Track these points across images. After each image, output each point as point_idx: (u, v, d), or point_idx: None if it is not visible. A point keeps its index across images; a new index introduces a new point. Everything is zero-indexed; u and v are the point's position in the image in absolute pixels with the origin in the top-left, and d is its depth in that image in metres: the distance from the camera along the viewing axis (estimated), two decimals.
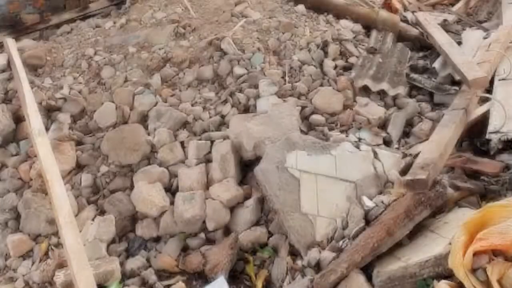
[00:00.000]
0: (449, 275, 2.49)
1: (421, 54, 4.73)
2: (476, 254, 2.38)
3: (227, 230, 3.42)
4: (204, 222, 3.42)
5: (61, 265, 3.20)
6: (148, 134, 3.84)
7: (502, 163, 3.22)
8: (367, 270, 2.80)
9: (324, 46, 4.39)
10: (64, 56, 4.69)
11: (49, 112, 4.13)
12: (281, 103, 3.83)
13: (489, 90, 3.82)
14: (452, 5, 6.20)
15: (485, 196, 3.06)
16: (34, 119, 3.85)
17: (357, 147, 3.40)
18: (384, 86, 4.07)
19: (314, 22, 4.80)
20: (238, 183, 3.52)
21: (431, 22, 5.00)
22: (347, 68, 4.27)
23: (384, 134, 3.68)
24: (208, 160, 3.66)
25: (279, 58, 4.33)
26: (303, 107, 3.87)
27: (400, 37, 4.86)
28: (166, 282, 3.26)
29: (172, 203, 3.50)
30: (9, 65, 4.58)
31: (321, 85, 4.07)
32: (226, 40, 4.33)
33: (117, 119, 3.98)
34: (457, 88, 3.99)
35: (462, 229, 2.46)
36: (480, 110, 3.67)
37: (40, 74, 4.54)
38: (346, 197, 3.17)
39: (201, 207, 3.40)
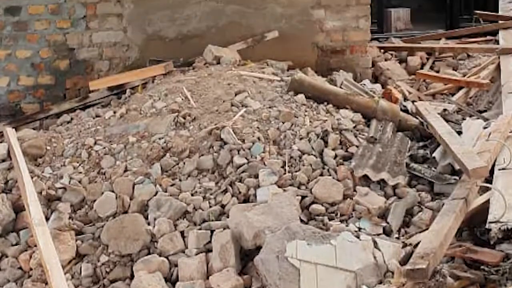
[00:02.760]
0: None
1: (421, 143, 4.88)
2: None
3: None
4: None
5: None
6: (148, 224, 3.96)
7: (502, 252, 3.31)
8: None
9: (324, 135, 4.55)
10: (64, 145, 4.85)
11: (49, 201, 4.26)
12: (281, 192, 3.97)
13: (489, 180, 3.95)
14: (452, 94, 6.40)
15: (485, 285, 3.15)
16: (34, 209, 3.98)
17: (357, 236, 3.50)
18: (384, 175, 4.22)
19: (314, 111, 4.98)
20: (238, 273, 3.59)
21: (431, 112, 5.16)
22: (347, 158, 4.42)
23: (384, 224, 3.81)
24: (208, 250, 3.76)
25: (279, 148, 4.49)
26: (303, 197, 4.01)
27: (400, 126, 5.03)
28: None
29: None
30: (9, 154, 4.74)
31: (321, 174, 4.23)
32: (226, 130, 4.51)
33: (117, 208, 4.12)
34: (457, 177, 4.13)
35: None
36: (480, 200, 3.79)
37: (40, 164, 4.69)
38: (346, 287, 3.27)
39: None
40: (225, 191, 4.15)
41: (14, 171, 4.52)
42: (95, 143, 4.78)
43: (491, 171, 4.02)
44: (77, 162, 4.62)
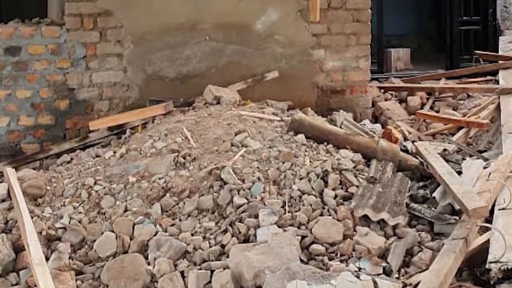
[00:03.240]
0: None
1: (421, 183, 4.95)
2: None
3: None
4: None
5: None
6: (148, 264, 3.99)
7: None
8: None
9: (324, 175, 4.62)
10: (64, 185, 4.91)
11: (49, 241, 4.30)
12: (281, 232, 4.02)
13: (489, 220, 4.03)
14: (452, 134, 6.48)
15: None
16: (34, 249, 4.02)
17: (357, 276, 3.54)
18: (384, 215, 4.27)
19: (314, 151, 5.05)
20: None
21: (431, 152, 5.24)
22: (347, 198, 4.49)
23: (384, 264, 3.84)
24: None
25: (279, 188, 4.56)
26: (303, 237, 4.06)
27: (400, 166, 5.10)
28: None
29: None
30: (9, 194, 4.80)
31: (321, 214, 4.29)
32: (226, 170, 4.58)
33: (117, 248, 4.16)
34: (457, 217, 4.19)
35: None
36: (480, 240, 3.86)
37: (40, 204, 4.75)
38: None
39: None
40: (225, 231, 4.20)
41: (14, 211, 4.58)
42: (95, 183, 4.84)
43: (491, 211, 4.10)
44: (77, 202, 4.68)
